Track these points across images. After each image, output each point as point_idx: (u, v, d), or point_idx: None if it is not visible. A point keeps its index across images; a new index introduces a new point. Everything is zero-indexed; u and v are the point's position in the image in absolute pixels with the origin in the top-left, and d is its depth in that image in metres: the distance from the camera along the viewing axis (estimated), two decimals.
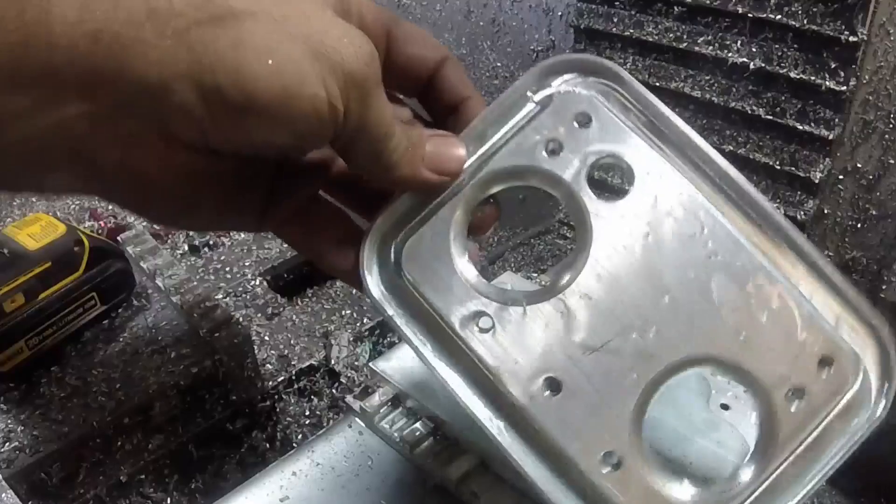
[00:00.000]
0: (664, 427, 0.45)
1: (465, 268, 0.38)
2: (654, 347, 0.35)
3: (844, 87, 0.55)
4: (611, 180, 0.64)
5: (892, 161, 0.55)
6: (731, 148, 0.62)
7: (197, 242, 0.84)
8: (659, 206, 0.36)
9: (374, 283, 0.37)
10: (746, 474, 0.35)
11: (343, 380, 0.67)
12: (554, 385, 0.35)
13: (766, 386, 0.34)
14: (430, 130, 0.38)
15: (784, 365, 0.34)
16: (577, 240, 0.38)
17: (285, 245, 0.85)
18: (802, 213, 0.60)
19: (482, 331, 0.36)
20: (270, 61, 0.29)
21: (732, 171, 0.37)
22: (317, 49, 0.30)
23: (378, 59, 0.33)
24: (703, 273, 0.35)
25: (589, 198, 0.37)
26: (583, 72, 0.38)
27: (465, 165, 0.38)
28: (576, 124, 0.37)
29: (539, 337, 0.36)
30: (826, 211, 0.60)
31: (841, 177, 0.59)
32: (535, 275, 0.78)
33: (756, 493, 0.34)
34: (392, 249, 0.38)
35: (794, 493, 0.35)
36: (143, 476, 0.56)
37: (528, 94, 0.39)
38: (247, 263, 0.77)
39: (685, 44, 0.63)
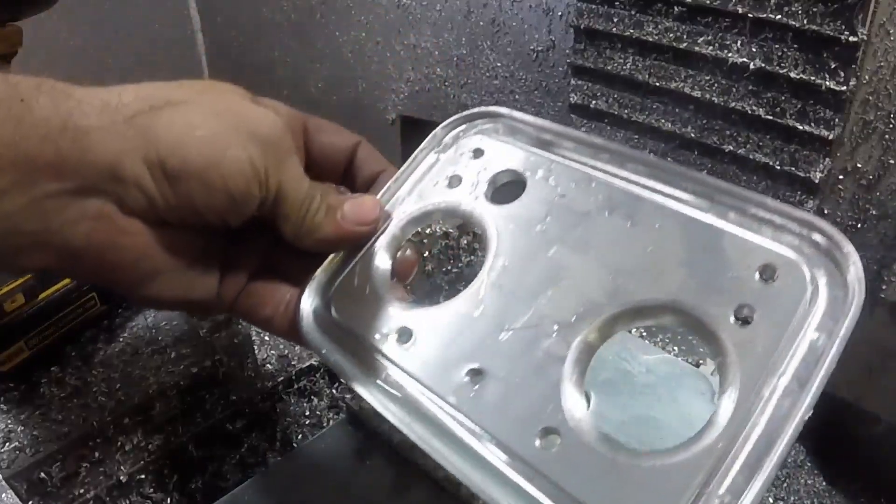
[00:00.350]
0: (635, 402, 0.46)
1: (389, 297, 0.41)
2: (573, 314, 0.34)
3: (844, 87, 0.55)
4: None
5: (892, 161, 0.55)
6: (731, 148, 0.62)
7: None
8: (552, 193, 0.39)
9: (309, 327, 0.41)
10: (705, 434, 0.29)
11: (343, 380, 0.67)
12: (477, 375, 0.35)
13: (708, 317, 0.30)
14: (347, 195, 0.44)
15: (719, 289, 0.31)
16: (481, 247, 0.42)
17: None
18: None
19: (404, 344, 0.38)
20: (199, 133, 0.36)
21: (614, 145, 0.40)
22: (237, 122, 0.38)
23: (289, 134, 0.41)
24: (607, 230, 0.36)
25: (488, 209, 0.42)
26: (474, 120, 0.46)
27: (385, 219, 0.44)
28: (471, 156, 0.44)
29: (456, 333, 0.37)
30: (826, 211, 0.60)
31: (841, 177, 0.59)
32: None
33: (723, 441, 0.28)
34: (326, 299, 0.42)
35: (783, 423, 0.28)
36: (143, 476, 0.56)
37: (433, 149, 0.46)
38: None
39: (685, 44, 0.63)
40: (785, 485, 0.61)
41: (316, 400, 0.67)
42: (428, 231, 0.45)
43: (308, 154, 0.46)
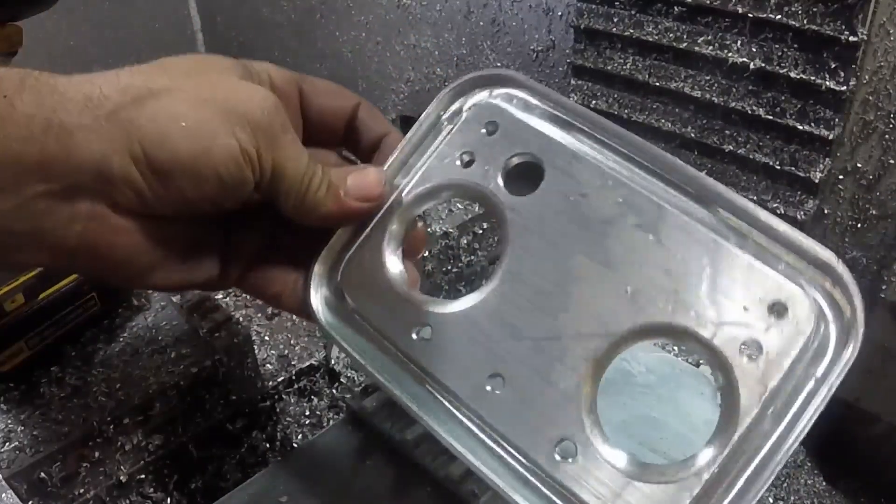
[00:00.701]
0: (643, 419, 0.46)
1: (402, 285, 0.40)
2: (590, 329, 0.34)
3: (844, 87, 0.55)
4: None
5: (892, 161, 0.55)
6: (731, 148, 0.62)
7: None
8: (573, 189, 0.37)
9: (322, 313, 0.40)
10: (711, 447, 0.32)
11: (343, 380, 0.67)
12: (496, 380, 0.35)
13: (718, 345, 0.32)
14: (350, 167, 0.42)
15: (732, 320, 0.32)
16: (500, 239, 0.39)
17: None
18: (802, 213, 0.60)
19: (422, 340, 0.38)
20: (184, 123, 0.35)
21: (637, 140, 0.37)
22: (224, 107, 0.36)
23: (282, 109, 0.38)
24: (629, 243, 0.35)
25: (505, 197, 0.38)
26: (484, 85, 0.42)
27: (391, 194, 0.41)
28: (484, 132, 0.40)
29: (474, 337, 0.37)
30: (826, 211, 0.60)
31: (841, 177, 0.58)
32: None
33: (723, 462, 0.31)
34: (335, 280, 0.41)
35: (771, 454, 0.30)
36: (143, 476, 0.56)
37: (440, 115, 0.43)
38: None
39: (685, 44, 0.63)
40: (785, 485, 0.61)
41: (316, 400, 0.67)
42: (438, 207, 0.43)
43: (305, 119, 0.44)
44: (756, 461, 0.30)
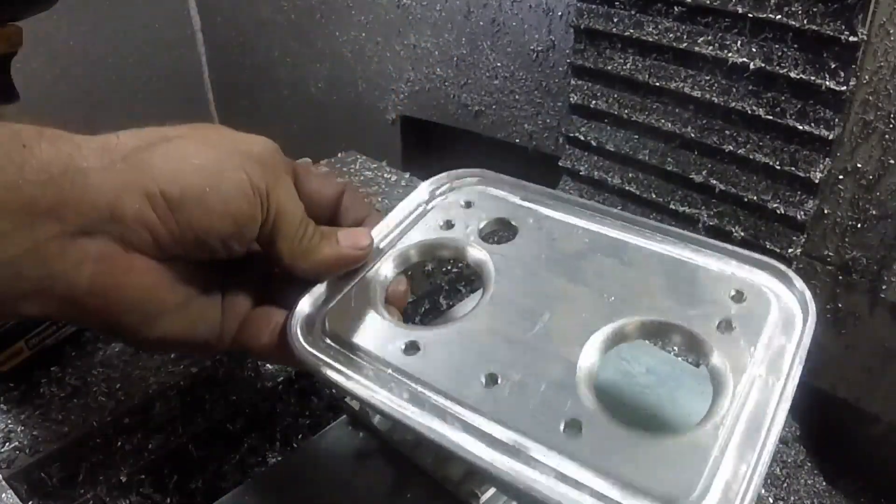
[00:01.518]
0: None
1: (390, 316, 0.42)
2: (576, 328, 0.38)
3: (844, 87, 0.55)
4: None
5: (892, 161, 0.55)
6: (731, 148, 0.62)
7: None
8: (544, 237, 0.44)
9: (302, 349, 0.41)
10: (713, 414, 0.33)
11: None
12: (492, 379, 0.36)
13: (696, 328, 0.37)
14: (337, 227, 0.45)
15: (703, 308, 0.38)
16: (482, 282, 0.43)
17: None
18: (802, 213, 0.60)
19: (411, 355, 0.39)
20: (195, 161, 0.37)
21: (592, 204, 0.46)
22: (232, 148, 0.38)
23: (281, 153, 0.41)
24: (598, 267, 0.41)
25: (483, 247, 0.44)
26: (457, 178, 0.50)
27: (376, 254, 0.45)
28: (462, 205, 0.48)
29: (464, 346, 0.38)
30: (826, 211, 0.60)
31: (841, 177, 0.59)
32: None
33: (728, 424, 0.33)
34: (319, 319, 0.42)
35: (767, 414, 0.33)
36: (143, 476, 0.56)
37: (421, 200, 0.49)
38: None
39: (685, 44, 0.63)
40: (785, 485, 0.61)
41: (316, 400, 0.66)
42: (421, 263, 0.47)
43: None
44: (754, 410, 0.33)
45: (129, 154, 0.35)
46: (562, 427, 0.33)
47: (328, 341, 0.41)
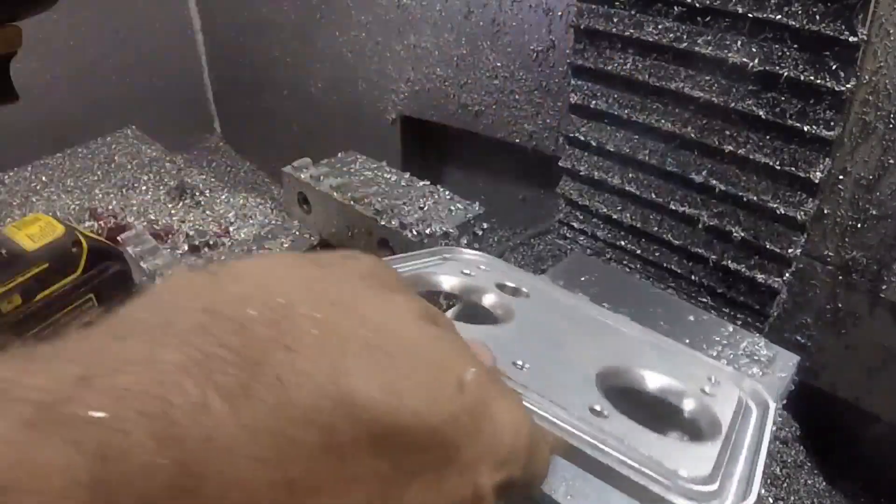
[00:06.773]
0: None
1: None
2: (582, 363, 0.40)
3: (844, 87, 0.55)
4: None
5: (892, 161, 0.55)
6: (731, 148, 0.62)
7: (197, 242, 0.84)
8: (552, 299, 0.49)
9: None
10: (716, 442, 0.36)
11: None
12: (518, 365, 0.38)
13: (685, 384, 0.40)
14: None
15: (691, 371, 0.42)
16: (504, 315, 0.45)
17: (285, 245, 0.85)
18: (802, 213, 0.60)
19: None
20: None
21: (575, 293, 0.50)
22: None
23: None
24: (587, 331, 0.46)
25: (500, 296, 0.47)
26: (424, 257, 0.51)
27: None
28: (476, 265, 0.51)
29: (488, 340, 0.39)
30: (826, 211, 0.60)
31: (841, 177, 0.58)
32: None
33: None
34: None
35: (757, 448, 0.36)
36: None
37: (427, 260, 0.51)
38: None
39: (685, 44, 0.63)
40: (785, 485, 0.60)
41: None
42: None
43: None
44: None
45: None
46: (587, 412, 0.35)
47: None
